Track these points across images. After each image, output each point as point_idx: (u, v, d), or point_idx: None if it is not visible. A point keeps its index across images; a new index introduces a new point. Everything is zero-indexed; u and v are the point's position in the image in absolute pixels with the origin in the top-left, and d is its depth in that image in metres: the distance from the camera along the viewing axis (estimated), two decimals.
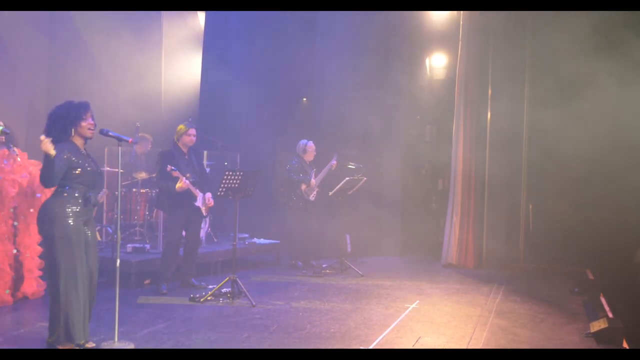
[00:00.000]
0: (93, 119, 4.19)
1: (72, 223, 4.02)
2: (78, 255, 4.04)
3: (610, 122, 7.66)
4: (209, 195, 6.43)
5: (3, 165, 5.61)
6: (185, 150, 6.48)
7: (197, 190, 6.32)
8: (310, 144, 8.09)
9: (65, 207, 4.02)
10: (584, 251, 7.82)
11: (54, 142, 4.03)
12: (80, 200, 4.07)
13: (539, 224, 8.31)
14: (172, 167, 6.07)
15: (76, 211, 4.06)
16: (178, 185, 6.09)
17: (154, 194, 7.58)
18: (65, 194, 4.04)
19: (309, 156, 8.10)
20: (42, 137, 3.78)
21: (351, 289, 6.72)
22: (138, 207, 7.69)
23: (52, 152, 3.78)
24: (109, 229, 7.60)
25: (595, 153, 7.76)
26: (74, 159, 4.03)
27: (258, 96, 10.05)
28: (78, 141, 4.14)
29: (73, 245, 4.01)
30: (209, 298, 5.93)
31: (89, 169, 4.10)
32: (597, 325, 4.85)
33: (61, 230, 3.99)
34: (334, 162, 8.06)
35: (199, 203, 6.35)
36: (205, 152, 8.20)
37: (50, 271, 4.04)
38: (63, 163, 3.96)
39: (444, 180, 9.61)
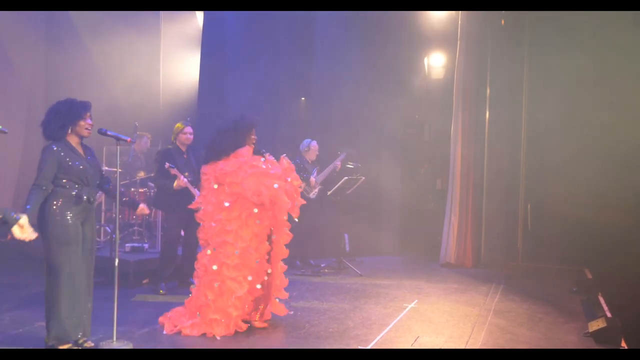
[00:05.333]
0: (91, 119, 4.19)
1: (68, 222, 4.02)
2: (72, 256, 4.03)
3: (609, 121, 7.66)
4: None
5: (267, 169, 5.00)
6: (183, 149, 6.47)
7: (195, 190, 6.30)
8: (314, 143, 8.10)
9: (60, 206, 4.02)
10: (583, 250, 7.81)
11: (49, 139, 4.04)
12: (74, 199, 4.07)
13: (537, 223, 8.30)
14: (170, 165, 6.07)
15: (72, 209, 4.06)
16: (175, 183, 6.09)
17: (152, 194, 7.57)
18: (60, 193, 4.03)
19: (311, 155, 8.10)
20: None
21: (349, 289, 6.72)
22: None
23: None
24: (107, 228, 7.59)
25: (593, 152, 7.77)
26: (67, 159, 4.03)
27: (256, 95, 10.03)
28: (73, 140, 4.14)
29: (67, 244, 4.00)
30: None
31: (80, 167, 4.08)
32: (596, 325, 4.85)
33: (54, 230, 3.99)
34: (338, 162, 8.05)
35: None
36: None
37: (45, 270, 4.05)
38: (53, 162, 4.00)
39: (443, 179, 9.60)
